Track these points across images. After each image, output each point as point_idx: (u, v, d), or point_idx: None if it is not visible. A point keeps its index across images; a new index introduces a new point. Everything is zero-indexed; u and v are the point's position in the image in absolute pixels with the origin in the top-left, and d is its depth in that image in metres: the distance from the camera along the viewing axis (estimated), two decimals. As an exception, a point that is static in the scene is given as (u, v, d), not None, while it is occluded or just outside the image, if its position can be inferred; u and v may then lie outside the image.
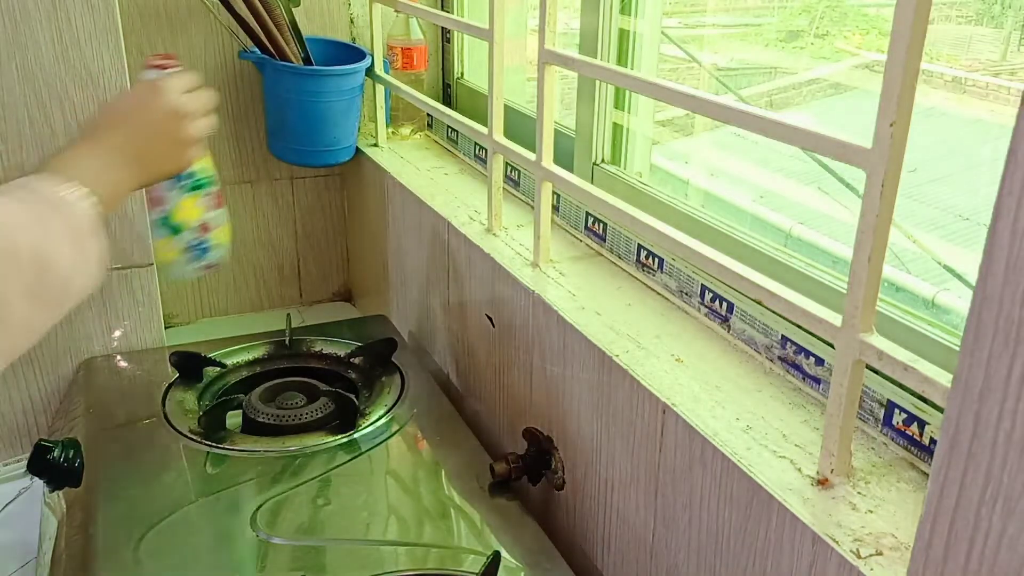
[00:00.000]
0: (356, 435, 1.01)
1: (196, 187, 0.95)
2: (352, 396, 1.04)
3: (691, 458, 0.69)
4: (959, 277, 0.75)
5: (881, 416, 0.66)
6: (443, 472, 0.95)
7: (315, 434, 1.00)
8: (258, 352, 1.18)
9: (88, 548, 0.82)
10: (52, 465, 0.89)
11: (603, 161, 1.07)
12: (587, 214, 1.03)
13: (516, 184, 1.19)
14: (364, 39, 1.44)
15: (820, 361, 0.71)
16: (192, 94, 0.82)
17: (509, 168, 1.19)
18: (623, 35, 1.02)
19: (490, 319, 1.04)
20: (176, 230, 0.97)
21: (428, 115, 1.49)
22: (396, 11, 1.35)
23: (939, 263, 0.77)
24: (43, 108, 1.07)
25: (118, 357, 1.19)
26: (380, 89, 1.39)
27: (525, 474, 0.92)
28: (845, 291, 0.57)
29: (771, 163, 1.07)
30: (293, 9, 1.30)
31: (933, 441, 0.62)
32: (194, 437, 0.99)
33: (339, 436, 1.00)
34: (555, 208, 1.08)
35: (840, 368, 0.58)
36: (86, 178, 0.68)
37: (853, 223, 0.55)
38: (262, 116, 1.42)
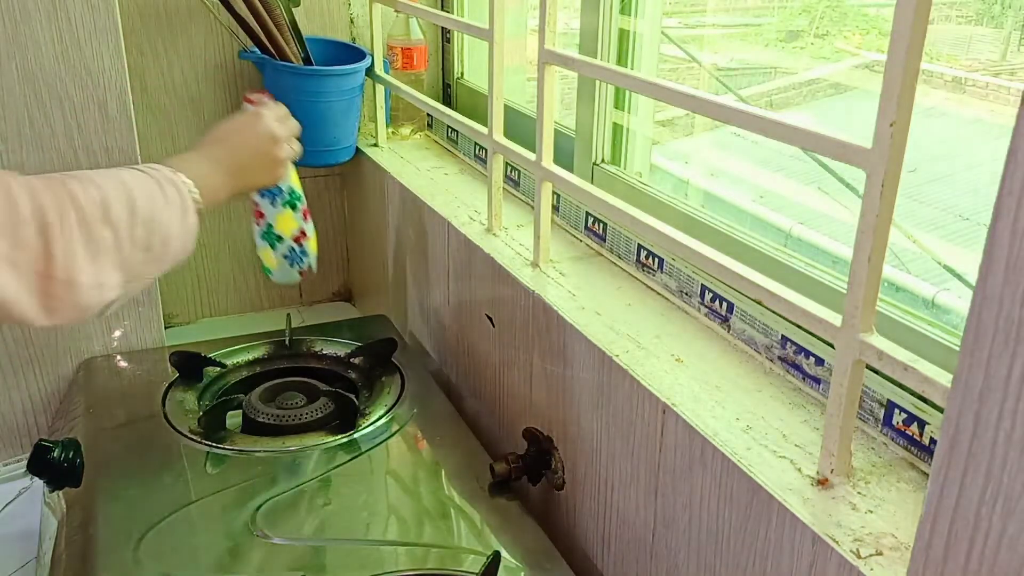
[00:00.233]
0: (356, 435, 1.01)
1: (292, 203, 1.11)
2: (352, 396, 1.04)
3: (691, 458, 0.69)
4: (959, 277, 0.75)
5: (881, 416, 0.66)
6: (443, 472, 0.96)
7: (315, 434, 1.00)
8: (258, 352, 1.18)
9: (88, 548, 0.82)
10: (52, 465, 0.89)
11: (603, 161, 1.07)
12: (587, 214, 1.03)
13: (516, 184, 1.19)
14: (364, 39, 1.45)
15: (820, 361, 0.71)
16: (284, 123, 0.96)
17: (509, 168, 1.19)
18: (623, 35, 1.02)
19: (490, 319, 1.04)
20: (278, 240, 1.13)
21: (428, 115, 1.49)
22: (396, 11, 1.35)
23: (939, 263, 0.77)
24: (43, 108, 1.07)
25: (118, 357, 1.19)
26: (380, 89, 1.39)
27: (525, 474, 0.92)
28: (845, 291, 0.57)
29: (771, 163, 1.07)
30: (293, 9, 1.30)
31: (933, 441, 0.62)
32: (194, 437, 0.99)
33: (339, 436, 1.00)
34: (555, 208, 1.08)
35: (840, 368, 0.58)
36: (193, 176, 0.83)
37: (853, 223, 0.55)
38: (262, 116, 1.42)
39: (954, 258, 0.77)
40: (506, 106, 1.02)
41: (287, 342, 1.19)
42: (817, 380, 0.72)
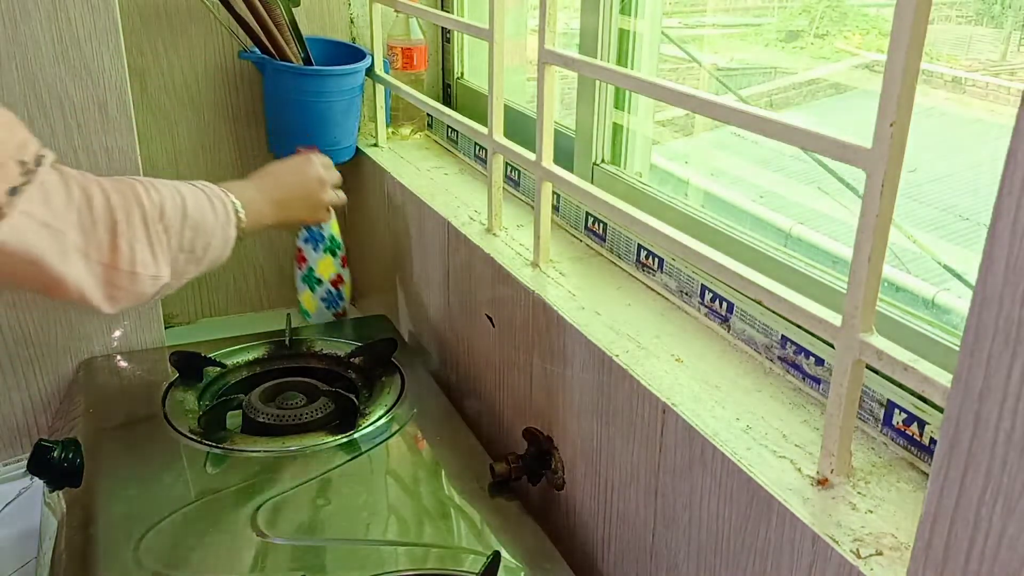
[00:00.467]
0: (356, 435, 1.01)
1: (332, 249, 1.23)
2: (352, 396, 1.04)
3: (691, 458, 0.69)
4: (959, 277, 0.75)
5: (881, 416, 0.66)
6: (443, 472, 0.96)
7: (315, 434, 1.00)
8: (258, 352, 1.18)
9: (88, 548, 0.82)
10: (52, 465, 0.89)
11: (603, 161, 1.07)
12: (587, 214, 1.03)
13: (516, 184, 1.19)
14: (364, 39, 1.44)
15: (820, 361, 0.71)
16: (329, 170, 1.09)
17: (509, 168, 1.19)
18: (623, 35, 1.02)
19: (490, 319, 1.04)
20: (317, 283, 1.26)
21: (428, 115, 1.49)
22: (396, 11, 1.35)
23: (939, 263, 0.77)
24: (43, 108, 1.07)
25: (118, 357, 1.19)
26: (380, 89, 1.39)
27: (525, 474, 0.92)
28: (845, 291, 0.57)
29: (771, 163, 1.07)
30: (293, 9, 1.30)
31: (933, 441, 0.62)
32: (194, 437, 0.99)
33: (339, 436, 1.00)
34: (555, 208, 1.08)
35: (840, 368, 0.58)
36: (241, 198, 0.94)
37: (853, 223, 0.55)
38: (262, 116, 1.42)
39: (954, 258, 0.77)
40: (506, 106, 1.02)
41: (287, 342, 1.19)
42: (817, 380, 0.72)
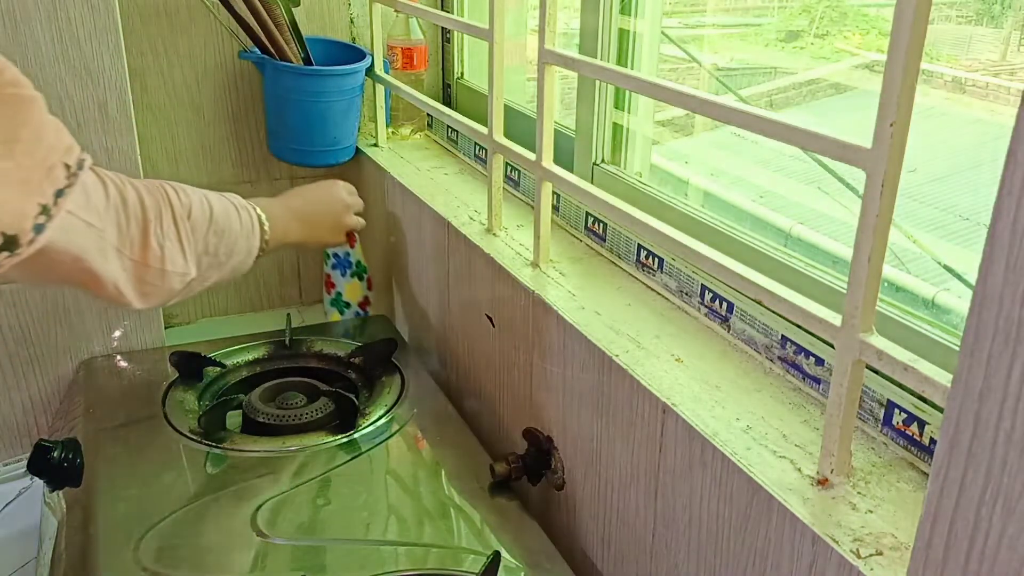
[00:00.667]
0: (356, 435, 1.01)
1: (359, 274, 1.28)
2: (352, 396, 1.04)
3: (691, 458, 0.69)
4: (959, 277, 0.75)
5: (881, 416, 0.66)
6: (443, 472, 0.96)
7: (315, 434, 1.00)
8: (258, 352, 1.18)
9: (88, 548, 0.82)
10: (52, 465, 0.89)
11: (603, 161, 1.07)
12: (587, 214, 1.03)
13: (516, 184, 1.19)
14: (364, 39, 1.44)
15: (820, 361, 0.71)
16: (353, 196, 1.17)
17: (509, 168, 1.19)
18: (623, 35, 1.02)
19: (490, 319, 1.04)
20: (346, 306, 1.31)
21: (428, 115, 1.49)
22: (396, 11, 1.35)
23: (939, 263, 0.77)
24: (43, 108, 1.07)
25: (118, 357, 1.19)
26: (380, 89, 1.39)
27: (525, 474, 0.92)
28: (845, 291, 0.57)
29: (771, 163, 1.07)
30: (293, 9, 1.30)
31: (933, 441, 0.62)
32: (194, 437, 0.99)
33: (339, 436, 1.00)
34: (555, 208, 1.08)
35: (840, 368, 0.58)
36: (267, 213, 0.99)
37: (853, 223, 0.55)
38: (262, 116, 1.42)
39: (954, 258, 0.77)
40: (506, 106, 1.02)
41: (287, 342, 1.19)
42: (817, 380, 0.72)
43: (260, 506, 0.88)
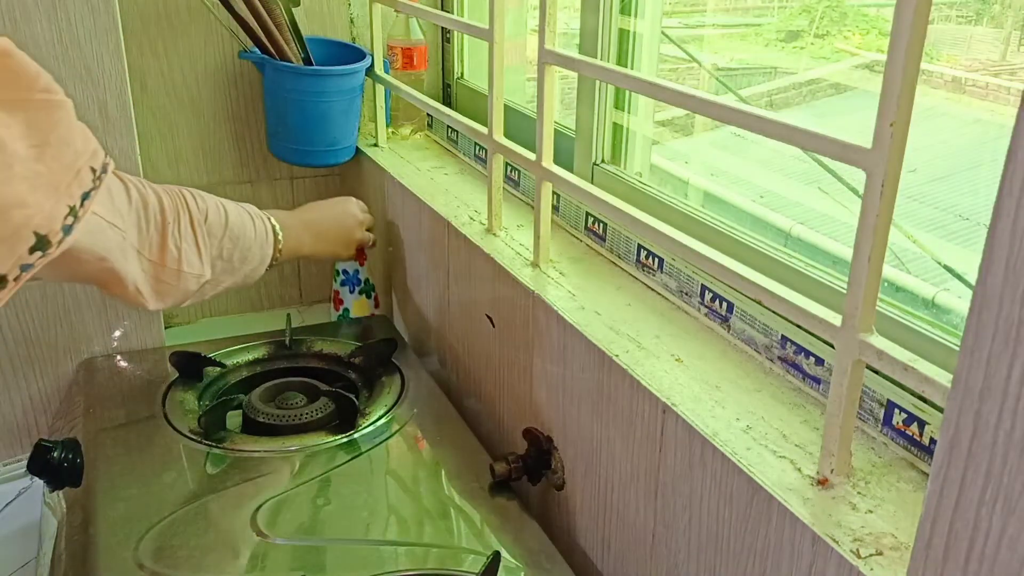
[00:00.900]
0: (356, 435, 1.01)
1: (366, 291, 1.32)
2: (352, 396, 1.04)
3: (691, 458, 0.69)
4: (959, 277, 0.75)
5: (881, 416, 0.66)
6: (443, 472, 0.96)
7: (315, 434, 1.00)
8: (258, 352, 1.18)
9: (88, 548, 0.82)
10: (52, 465, 0.89)
11: (603, 161, 1.07)
12: (587, 214, 1.03)
13: (516, 184, 1.19)
14: (364, 39, 1.44)
15: (820, 361, 0.71)
16: (364, 212, 1.22)
17: (509, 168, 1.19)
18: (623, 35, 1.02)
19: (490, 319, 1.04)
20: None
21: (428, 115, 1.49)
22: (396, 11, 1.35)
23: (939, 263, 0.77)
24: (43, 108, 1.07)
25: (118, 357, 1.19)
26: (380, 89, 1.39)
27: (525, 474, 0.92)
28: (845, 291, 0.57)
29: (771, 163, 1.07)
30: (293, 9, 1.30)
31: (933, 441, 0.62)
32: (194, 437, 0.99)
33: (339, 436, 1.00)
34: (555, 208, 1.08)
35: (840, 368, 0.58)
36: (282, 224, 1.04)
37: (853, 223, 0.55)
38: (262, 116, 1.42)
39: (954, 258, 0.77)
40: (506, 106, 1.02)
41: (287, 342, 1.19)
42: (817, 380, 0.72)
43: (260, 506, 0.88)
